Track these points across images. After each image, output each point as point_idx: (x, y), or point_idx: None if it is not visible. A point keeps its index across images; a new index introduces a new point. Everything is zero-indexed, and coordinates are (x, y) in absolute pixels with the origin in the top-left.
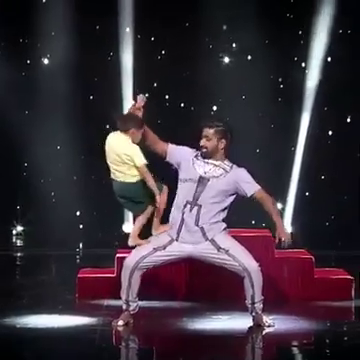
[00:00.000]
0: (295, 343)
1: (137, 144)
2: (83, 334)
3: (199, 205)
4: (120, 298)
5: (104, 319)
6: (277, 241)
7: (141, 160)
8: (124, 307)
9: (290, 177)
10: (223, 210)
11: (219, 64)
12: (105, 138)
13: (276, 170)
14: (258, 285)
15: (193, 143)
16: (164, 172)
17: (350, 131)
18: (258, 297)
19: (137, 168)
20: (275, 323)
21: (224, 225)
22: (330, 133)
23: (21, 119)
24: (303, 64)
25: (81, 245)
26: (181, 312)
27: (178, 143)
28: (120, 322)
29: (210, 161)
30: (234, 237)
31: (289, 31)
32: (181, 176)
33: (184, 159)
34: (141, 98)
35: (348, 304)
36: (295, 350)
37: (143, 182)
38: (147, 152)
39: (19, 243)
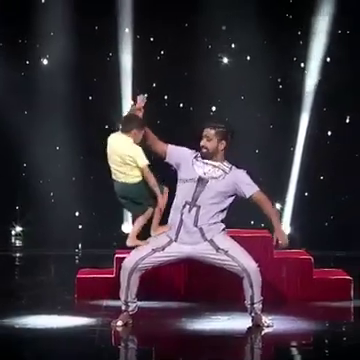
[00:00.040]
0: (294, 343)
1: (138, 144)
2: (82, 334)
3: (198, 206)
4: (119, 299)
5: (103, 319)
6: (274, 243)
7: (143, 161)
8: (123, 308)
9: (289, 177)
10: (222, 211)
11: (218, 64)
12: (104, 138)
13: (275, 170)
14: (257, 285)
15: (192, 143)
16: (164, 173)
17: (349, 131)
18: (257, 297)
19: (139, 169)
20: (274, 323)
21: (223, 226)
22: (329, 133)
23: (20, 119)
24: (302, 64)
25: (80, 245)
26: (180, 312)
27: (177, 143)
28: (119, 322)
29: (209, 162)
30: (233, 238)
31: (288, 31)
32: (180, 177)
33: (183, 160)
34: (141, 98)
35: (347, 304)
36: (294, 350)
37: (144, 183)
38: (147, 153)
39: (18, 243)
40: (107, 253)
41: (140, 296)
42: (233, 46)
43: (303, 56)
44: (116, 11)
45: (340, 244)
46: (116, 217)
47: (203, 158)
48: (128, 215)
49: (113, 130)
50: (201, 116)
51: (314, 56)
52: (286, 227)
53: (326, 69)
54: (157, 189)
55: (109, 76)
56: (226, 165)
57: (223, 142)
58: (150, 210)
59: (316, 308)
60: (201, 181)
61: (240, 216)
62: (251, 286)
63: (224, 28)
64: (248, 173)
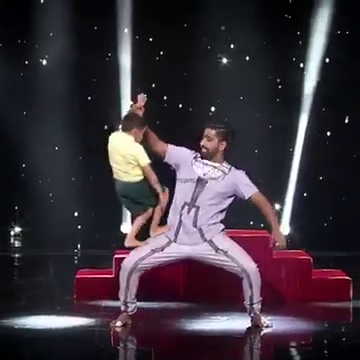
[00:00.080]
0: (293, 344)
1: (139, 143)
2: (81, 335)
3: (197, 206)
4: (118, 299)
5: (102, 320)
6: (271, 244)
7: (145, 160)
8: (122, 308)
9: (288, 178)
10: (221, 212)
11: (217, 65)
12: (103, 139)
13: (274, 171)
14: (257, 286)
15: (191, 144)
16: (163, 173)
17: (348, 132)
18: (256, 298)
19: (141, 168)
20: (273, 324)
21: (222, 226)
22: (328, 134)
23: (19, 120)
24: (301, 65)
25: (79, 246)
26: (179, 313)
27: (177, 144)
28: (118, 323)
29: (209, 163)
30: (232, 238)
31: (287, 32)
32: (179, 177)
33: (183, 160)
34: (142, 97)
35: (346, 305)
36: (293, 351)
37: (145, 182)
38: (147, 153)
39: (17, 244)
40: (106, 253)
41: (139, 296)
42: (232, 46)
43: (302, 56)
44: (115, 11)
45: (339, 244)
46: (115, 217)
47: (202, 158)
48: (127, 215)
49: (112, 130)
50: (200, 116)
51: (313, 56)
52: (285, 227)
53: (325, 69)
54: (159, 187)
55: (108, 76)
56: (225, 166)
57: (223, 143)
58: (149, 210)
59: (315, 308)
60: (200, 182)
61: (239, 216)
62: (250, 286)
63: (223, 28)
64: (247, 174)
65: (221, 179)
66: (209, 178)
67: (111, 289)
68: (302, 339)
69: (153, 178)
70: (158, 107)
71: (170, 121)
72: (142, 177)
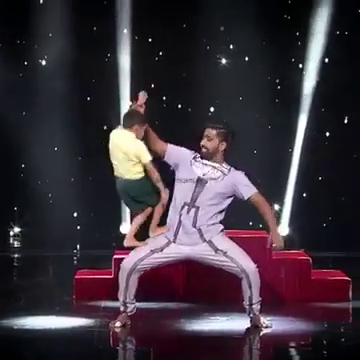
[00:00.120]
0: (292, 344)
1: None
2: (80, 335)
3: (197, 207)
4: (117, 299)
5: (101, 320)
6: (268, 245)
7: (147, 157)
8: (121, 308)
9: (287, 178)
10: (221, 212)
11: (216, 65)
12: (103, 139)
13: (273, 171)
14: (256, 286)
15: (191, 144)
16: (163, 173)
17: (348, 132)
18: (256, 298)
19: (143, 165)
20: (273, 324)
21: (221, 227)
22: (327, 134)
23: (18, 120)
24: (300, 65)
25: (78, 246)
26: (179, 313)
27: (176, 144)
28: (117, 323)
29: (209, 163)
30: (232, 239)
31: (286, 32)
32: (179, 177)
33: (182, 160)
34: (143, 95)
35: (345, 305)
36: (292, 351)
37: (146, 180)
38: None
39: (16, 244)
40: (105, 254)
41: (139, 297)
42: (231, 47)
43: (301, 57)
44: (114, 12)
45: (338, 245)
46: (114, 218)
47: (202, 158)
48: (126, 216)
49: (112, 130)
50: (200, 117)
51: (312, 57)
52: (284, 228)
53: (324, 70)
54: (161, 184)
55: (107, 77)
56: (225, 166)
57: (224, 143)
58: (148, 210)
59: (314, 309)
60: (200, 182)
61: (238, 217)
62: (250, 287)
63: (222, 29)
64: (246, 174)
65: (221, 179)
66: (209, 178)
67: (110, 289)
68: (301, 339)
69: (155, 176)
70: (157, 107)
71: (169, 121)
72: (143, 174)
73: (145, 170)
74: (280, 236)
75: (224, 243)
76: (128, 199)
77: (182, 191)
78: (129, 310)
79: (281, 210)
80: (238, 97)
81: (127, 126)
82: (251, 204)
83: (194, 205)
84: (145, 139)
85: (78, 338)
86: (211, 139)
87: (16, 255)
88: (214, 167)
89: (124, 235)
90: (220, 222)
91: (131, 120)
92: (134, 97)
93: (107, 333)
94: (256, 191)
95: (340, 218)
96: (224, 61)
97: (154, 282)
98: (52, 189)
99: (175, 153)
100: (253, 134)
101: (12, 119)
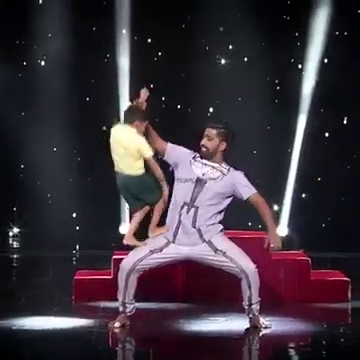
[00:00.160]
0: (292, 345)
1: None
2: (80, 336)
3: (196, 206)
4: (117, 300)
5: (101, 321)
6: (266, 245)
7: (149, 152)
8: (121, 309)
9: (287, 179)
10: (220, 212)
11: (216, 65)
12: (102, 140)
13: (273, 171)
14: (255, 287)
15: (190, 145)
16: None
17: (347, 133)
18: (255, 299)
19: (145, 160)
20: (272, 325)
21: (221, 227)
22: (327, 135)
23: (18, 120)
24: (300, 66)
25: (78, 247)
26: (178, 314)
27: (175, 144)
28: (117, 324)
29: (208, 163)
30: (231, 239)
31: (286, 33)
32: (178, 177)
33: (182, 160)
34: (144, 91)
35: (344, 306)
36: (292, 352)
37: (147, 177)
38: None
39: (15, 245)
40: (105, 254)
41: (138, 297)
42: (231, 47)
43: (300, 57)
44: (114, 12)
45: (338, 245)
46: (114, 218)
47: (202, 158)
48: (126, 216)
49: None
50: (199, 117)
51: (312, 57)
52: (284, 228)
53: (324, 70)
54: (163, 179)
55: (107, 77)
56: (224, 166)
57: (224, 143)
58: (147, 208)
59: (314, 309)
60: (199, 182)
61: (237, 217)
62: (249, 287)
63: (222, 29)
64: (246, 175)
65: (220, 179)
66: (208, 178)
67: (109, 290)
68: (301, 340)
69: (157, 170)
70: (157, 108)
71: (168, 122)
72: (143, 171)
73: (146, 166)
74: (278, 236)
75: (223, 243)
76: (128, 195)
77: (181, 191)
78: (128, 310)
79: (280, 210)
80: (237, 97)
81: (128, 121)
82: (250, 204)
83: (193, 205)
84: (145, 136)
85: (77, 338)
86: (211, 139)
87: (15, 255)
88: (213, 167)
89: (123, 235)
90: (219, 222)
91: (132, 115)
92: (135, 95)
93: (106, 333)
94: (255, 191)
95: (339, 218)
96: (223, 61)
97: (153, 282)
98: (51, 189)
99: (175, 152)
100: (252, 134)
101: (11, 119)
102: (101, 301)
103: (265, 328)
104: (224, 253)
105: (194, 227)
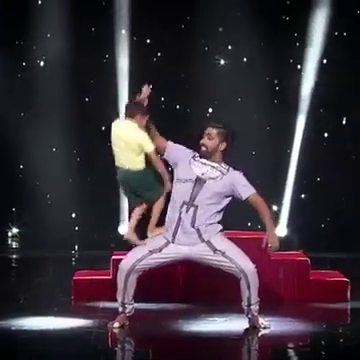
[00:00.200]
0: (291, 345)
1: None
2: (79, 336)
3: (195, 206)
4: (116, 300)
5: (100, 321)
6: (264, 245)
7: (150, 146)
8: (120, 309)
9: (286, 179)
10: (219, 212)
11: (215, 66)
12: (101, 140)
13: (272, 172)
14: (254, 287)
15: (189, 145)
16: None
17: (346, 133)
18: (254, 299)
19: (147, 154)
20: (271, 325)
21: (220, 227)
22: (326, 135)
23: (17, 121)
24: (299, 66)
25: (77, 247)
26: (177, 314)
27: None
28: (116, 324)
29: (207, 162)
30: (230, 239)
31: (285, 33)
32: (178, 176)
33: (182, 159)
34: (146, 88)
35: (344, 306)
36: (291, 352)
37: (147, 174)
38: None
39: (15, 245)
40: (104, 255)
41: (137, 298)
42: (230, 48)
43: (300, 58)
44: (113, 12)
45: (337, 246)
46: (113, 219)
47: (201, 157)
48: (125, 216)
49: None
50: (198, 118)
51: (311, 58)
52: (283, 229)
53: (323, 71)
54: (165, 173)
55: (106, 78)
56: (223, 166)
57: (224, 143)
58: (145, 205)
59: (313, 310)
60: (199, 181)
61: (237, 217)
62: (248, 287)
63: (221, 30)
64: (245, 175)
65: (219, 179)
66: (207, 178)
67: (109, 290)
68: (300, 340)
69: (159, 164)
70: (155, 108)
71: (167, 122)
72: (144, 165)
73: (146, 162)
74: (276, 236)
75: (222, 243)
76: (128, 190)
77: (181, 190)
78: (127, 311)
79: (279, 211)
80: (237, 98)
81: (129, 116)
82: (249, 204)
83: (193, 204)
84: (147, 131)
85: (76, 339)
86: (212, 138)
87: (14, 256)
88: (213, 167)
89: (123, 236)
90: (219, 222)
91: (133, 110)
92: (136, 91)
93: (105, 334)
94: (254, 191)
95: (339, 219)
96: (222, 62)
97: (152, 283)
98: (50, 190)
99: (175, 152)
100: (252, 135)
101: (10, 120)
102: (100, 301)
103: (264, 328)
104: (223, 253)
105: (193, 227)
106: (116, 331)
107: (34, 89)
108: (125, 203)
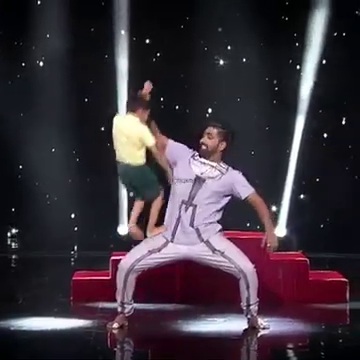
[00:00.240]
0: (290, 345)
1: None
2: (78, 336)
3: (194, 205)
4: (115, 301)
5: (99, 321)
6: (263, 245)
7: (151, 140)
8: (119, 309)
9: (285, 179)
10: (218, 211)
11: (214, 66)
12: (100, 140)
13: (271, 172)
14: (253, 287)
15: (188, 146)
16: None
17: (345, 134)
18: (253, 299)
19: (148, 148)
20: (270, 325)
21: (219, 227)
22: (325, 135)
23: (16, 121)
24: (298, 66)
25: (76, 247)
26: (176, 314)
27: None
28: (115, 324)
29: (207, 162)
30: (230, 240)
31: (284, 33)
32: (178, 176)
33: (181, 158)
34: (148, 84)
35: (343, 306)
36: (290, 352)
37: (147, 172)
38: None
39: (14, 245)
40: (103, 255)
41: (136, 298)
42: (229, 48)
43: (299, 58)
44: (112, 13)
45: (336, 246)
46: (112, 219)
47: (200, 156)
48: (124, 217)
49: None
50: (197, 118)
51: (310, 58)
52: (282, 229)
53: (322, 71)
54: (167, 166)
55: (105, 78)
56: (223, 166)
57: (224, 143)
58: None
59: (312, 310)
60: (198, 180)
61: (236, 217)
62: (247, 288)
63: (220, 30)
64: (244, 175)
65: (218, 178)
66: (207, 177)
67: (108, 290)
68: (299, 341)
69: (161, 157)
70: (154, 109)
71: (166, 122)
72: (144, 161)
73: (147, 157)
74: (275, 237)
75: (222, 243)
76: (128, 185)
77: (180, 189)
78: (127, 311)
79: (279, 211)
80: (236, 98)
81: (131, 110)
82: (248, 204)
83: (192, 203)
84: (148, 127)
85: (76, 339)
86: (212, 137)
87: (13, 256)
88: (212, 166)
89: (122, 236)
90: (218, 221)
91: (135, 104)
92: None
93: (105, 334)
94: (253, 191)
95: (338, 219)
96: (222, 62)
97: (152, 283)
98: (50, 190)
99: (175, 150)
100: (251, 135)
101: (10, 120)
102: (99, 302)
103: (263, 329)
104: (222, 253)
105: (192, 226)
106: (115, 331)
107: (33, 89)
108: (125, 203)
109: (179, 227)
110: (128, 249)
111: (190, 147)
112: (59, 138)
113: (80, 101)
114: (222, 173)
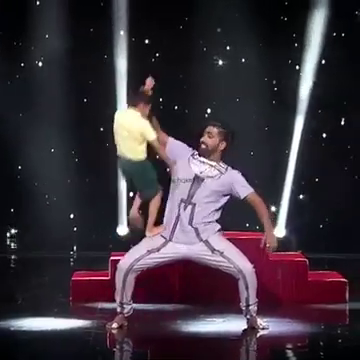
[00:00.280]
0: (289, 346)
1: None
2: (77, 337)
3: (193, 204)
4: (114, 301)
5: (98, 322)
6: (262, 245)
7: (152, 134)
8: (118, 310)
9: (284, 180)
10: (217, 210)
11: (213, 66)
12: (100, 140)
13: (270, 173)
14: (253, 287)
15: (188, 143)
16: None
17: (344, 134)
18: (253, 299)
19: (149, 143)
20: (269, 326)
21: (218, 226)
22: (324, 136)
23: (15, 122)
24: (297, 67)
25: (75, 248)
26: (175, 315)
27: None
28: (114, 325)
29: (206, 161)
30: (229, 240)
31: (283, 34)
32: (176, 174)
33: (181, 157)
34: (150, 80)
35: (342, 307)
36: (289, 353)
37: (147, 170)
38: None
39: (13, 246)
40: (102, 255)
41: (135, 298)
42: (228, 48)
43: (298, 58)
44: (111, 13)
45: (335, 246)
46: (111, 219)
47: (200, 155)
48: (124, 217)
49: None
50: (196, 118)
51: (309, 58)
52: (281, 229)
53: (321, 71)
54: (169, 159)
55: (104, 78)
56: (222, 165)
57: (223, 142)
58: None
59: (311, 310)
60: (197, 179)
61: (235, 217)
62: (246, 288)
63: (219, 30)
64: (243, 175)
65: (217, 178)
66: (206, 176)
67: (107, 291)
68: (298, 341)
69: (162, 152)
70: (154, 109)
71: (166, 123)
72: (145, 156)
73: (147, 154)
74: (274, 237)
75: (221, 243)
76: (128, 181)
77: (179, 188)
78: (126, 311)
79: (278, 212)
80: (235, 98)
81: (132, 105)
82: (247, 204)
83: (190, 202)
84: (149, 122)
85: (75, 339)
86: (212, 137)
87: (13, 256)
88: (211, 165)
89: (121, 237)
90: (217, 221)
91: (136, 98)
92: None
93: (104, 334)
94: (253, 191)
95: (337, 220)
96: (221, 62)
97: (151, 283)
98: (49, 190)
99: (175, 149)
100: (250, 135)
101: (9, 121)
102: (99, 302)
103: (263, 329)
104: (221, 253)
105: (191, 225)
106: (114, 331)
107: (32, 90)
108: (124, 204)
109: (178, 226)
110: (127, 249)
111: (190, 146)
112: (58, 138)
113: (79, 101)
114: (221, 173)
